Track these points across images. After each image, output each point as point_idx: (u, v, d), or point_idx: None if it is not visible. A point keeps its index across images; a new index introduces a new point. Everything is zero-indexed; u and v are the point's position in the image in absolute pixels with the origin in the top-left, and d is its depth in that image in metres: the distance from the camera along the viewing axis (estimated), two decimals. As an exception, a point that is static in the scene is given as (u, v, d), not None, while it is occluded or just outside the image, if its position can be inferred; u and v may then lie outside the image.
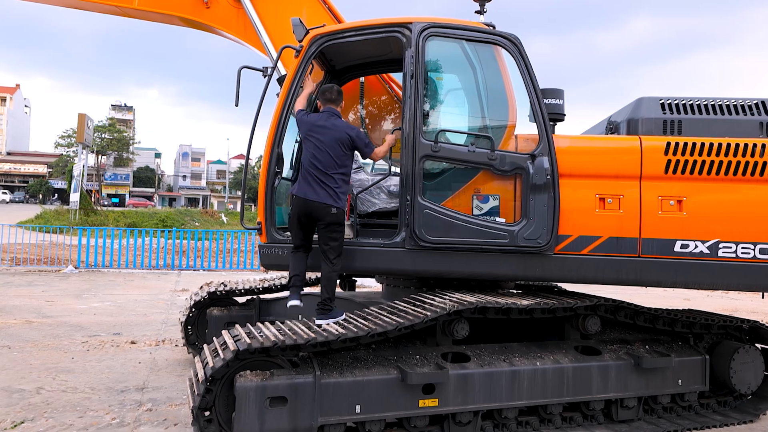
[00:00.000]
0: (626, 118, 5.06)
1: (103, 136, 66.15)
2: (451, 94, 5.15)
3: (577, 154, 4.70)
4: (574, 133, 5.42)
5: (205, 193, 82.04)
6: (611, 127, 5.31)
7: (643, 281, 4.64)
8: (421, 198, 4.47)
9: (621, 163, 4.64)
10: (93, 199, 41.75)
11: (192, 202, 78.14)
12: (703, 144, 4.60)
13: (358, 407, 3.83)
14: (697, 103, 4.95)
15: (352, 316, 4.27)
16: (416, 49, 4.56)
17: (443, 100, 5.07)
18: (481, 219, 4.56)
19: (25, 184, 72.11)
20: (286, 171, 5.08)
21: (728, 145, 4.60)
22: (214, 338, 4.01)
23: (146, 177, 77.35)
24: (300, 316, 4.70)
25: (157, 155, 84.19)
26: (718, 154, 4.59)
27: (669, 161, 4.59)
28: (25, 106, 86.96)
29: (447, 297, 4.40)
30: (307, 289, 4.85)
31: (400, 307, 4.36)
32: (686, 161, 4.59)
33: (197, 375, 3.69)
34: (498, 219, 4.60)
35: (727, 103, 4.96)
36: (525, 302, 4.33)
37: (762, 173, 4.57)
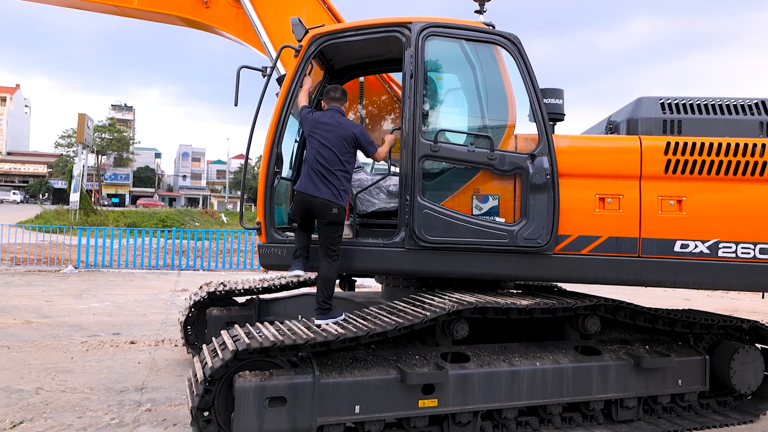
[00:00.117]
0: (626, 118, 5.05)
1: (103, 136, 66.18)
2: (450, 93, 5.14)
3: (577, 154, 4.69)
4: (573, 133, 5.42)
5: (205, 193, 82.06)
6: (611, 127, 5.30)
7: (643, 281, 4.63)
8: (420, 198, 4.47)
9: (621, 163, 4.63)
10: (93, 199, 41.72)
11: (192, 202, 78.16)
12: (703, 144, 4.60)
13: (357, 407, 3.82)
14: (697, 102, 4.94)
15: (351, 316, 4.26)
16: (416, 49, 4.56)
17: (443, 99, 5.06)
18: (480, 219, 4.55)
19: (25, 184, 72.13)
20: (286, 171, 5.07)
21: (728, 144, 4.59)
22: (213, 338, 4.00)
23: (146, 177, 77.37)
24: (299, 316, 4.69)
25: (157, 155, 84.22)
26: (718, 154, 4.58)
27: (669, 161, 4.58)
28: (25, 106, 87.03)
29: (446, 297, 4.39)
30: (307, 289, 4.85)
31: (399, 307, 4.36)
32: (686, 161, 4.58)
33: (196, 375, 3.68)
34: (498, 219, 4.60)
35: (727, 102, 4.95)
36: (524, 302, 4.32)
37: (762, 173, 4.56)
